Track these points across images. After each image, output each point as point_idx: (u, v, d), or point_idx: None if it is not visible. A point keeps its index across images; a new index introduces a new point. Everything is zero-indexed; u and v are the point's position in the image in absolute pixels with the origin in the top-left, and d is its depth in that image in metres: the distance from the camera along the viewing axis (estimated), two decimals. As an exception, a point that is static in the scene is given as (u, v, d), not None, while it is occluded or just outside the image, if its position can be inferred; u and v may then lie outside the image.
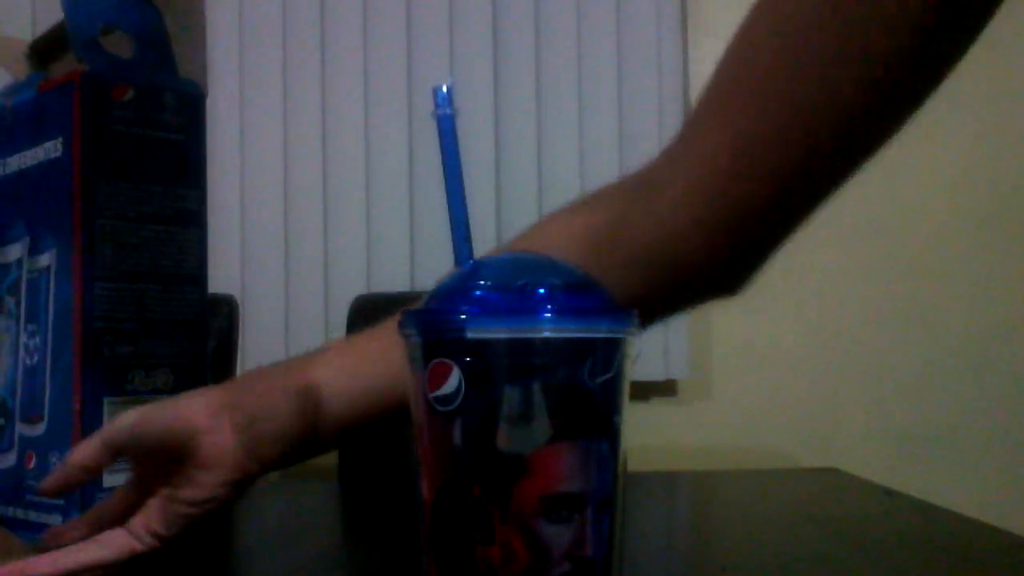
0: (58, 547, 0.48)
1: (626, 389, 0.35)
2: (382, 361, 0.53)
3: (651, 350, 1.68)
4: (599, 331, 0.34)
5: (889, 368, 1.76)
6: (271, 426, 0.49)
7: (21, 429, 0.61)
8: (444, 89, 0.39)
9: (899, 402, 1.76)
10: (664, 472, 1.14)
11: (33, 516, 0.59)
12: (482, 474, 0.33)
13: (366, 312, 1.44)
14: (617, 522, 0.35)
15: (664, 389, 1.75)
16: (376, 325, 0.55)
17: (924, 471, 1.65)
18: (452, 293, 0.35)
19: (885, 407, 1.76)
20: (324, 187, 1.69)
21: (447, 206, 0.38)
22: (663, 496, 0.96)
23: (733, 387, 1.77)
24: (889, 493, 0.86)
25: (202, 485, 0.48)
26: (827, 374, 1.76)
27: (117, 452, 0.48)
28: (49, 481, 0.49)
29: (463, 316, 0.33)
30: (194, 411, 0.48)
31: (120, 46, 0.61)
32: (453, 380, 0.33)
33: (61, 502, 0.57)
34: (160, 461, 0.49)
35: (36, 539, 0.53)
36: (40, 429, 0.59)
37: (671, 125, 1.74)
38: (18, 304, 0.62)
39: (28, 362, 0.61)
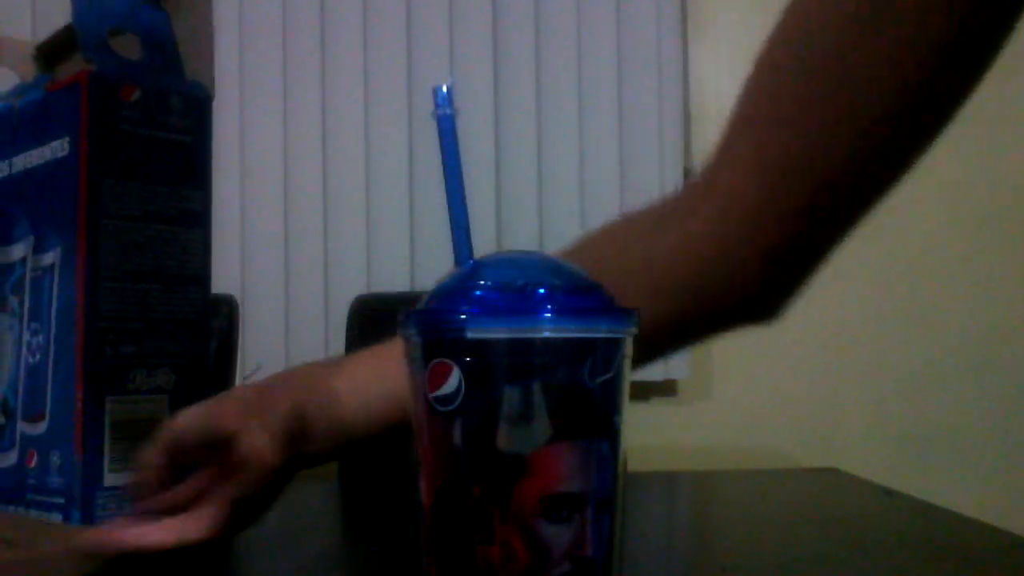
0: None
1: (626, 389, 0.35)
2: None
3: (651, 350, 1.68)
4: (599, 331, 0.34)
5: (889, 368, 1.76)
6: (302, 426, 0.51)
7: (23, 428, 0.61)
8: (444, 89, 0.39)
9: (899, 402, 1.76)
10: (664, 472, 1.14)
11: (34, 515, 0.59)
12: (482, 474, 0.33)
13: (366, 312, 1.44)
14: (617, 522, 0.35)
15: (664, 389, 1.75)
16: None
17: (924, 471, 1.65)
18: (452, 293, 0.35)
19: (885, 407, 1.76)
20: (324, 187, 1.70)
21: (447, 206, 0.38)
22: (663, 496, 0.96)
23: (733, 387, 1.77)
24: (889, 493, 0.86)
25: (241, 483, 0.49)
26: (827, 374, 1.76)
27: (167, 450, 0.51)
28: (128, 483, 0.53)
29: (463, 316, 0.33)
30: (228, 413, 0.50)
31: (128, 48, 0.62)
32: (453, 380, 0.33)
33: (62, 501, 0.57)
34: (209, 457, 0.51)
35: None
36: (42, 428, 0.59)
37: (671, 125, 1.74)
38: (21, 303, 0.62)
39: (30, 361, 0.61)
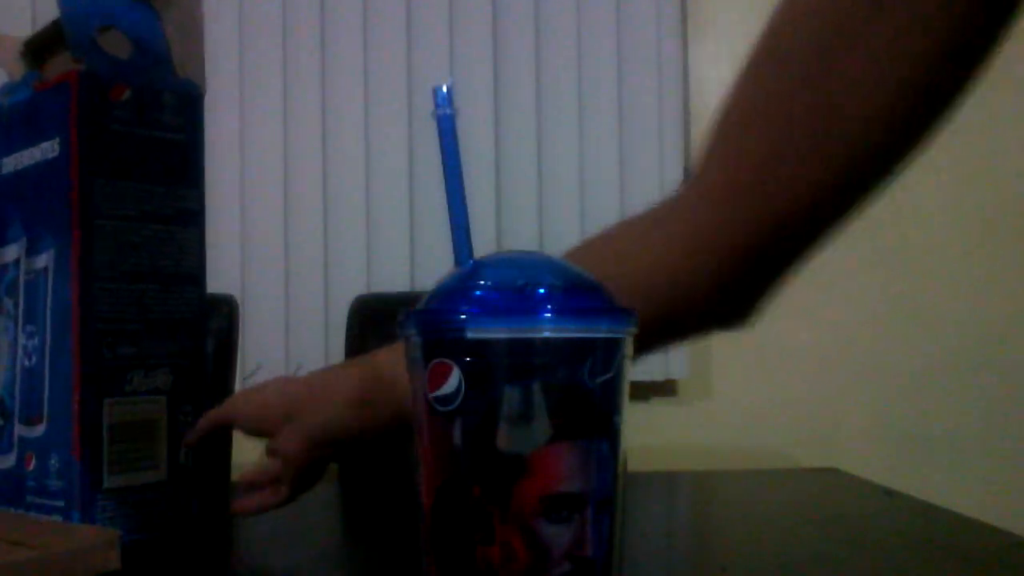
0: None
1: (626, 389, 0.35)
2: None
3: (651, 350, 1.68)
4: (599, 331, 0.34)
5: (889, 368, 1.76)
6: (326, 433, 0.58)
7: (20, 431, 0.61)
8: (444, 89, 0.39)
9: (899, 402, 1.76)
10: (664, 472, 1.14)
11: (36, 518, 0.59)
12: (482, 474, 0.33)
13: (366, 312, 1.44)
14: (617, 522, 0.35)
15: (664, 389, 1.75)
16: None
17: (924, 471, 1.65)
18: (452, 293, 0.35)
19: (885, 407, 1.76)
20: (324, 187, 1.69)
21: (447, 206, 0.38)
22: (663, 496, 0.96)
23: (733, 387, 1.77)
24: (889, 493, 0.86)
25: (281, 474, 0.59)
26: (827, 374, 1.76)
27: (218, 423, 0.61)
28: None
29: (463, 316, 0.33)
30: (272, 416, 0.59)
31: (117, 46, 0.61)
32: (453, 380, 0.33)
33: (61, 503, 0.57)
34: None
35: None
36: (39, 430, 0.59)
37: (671, 125, 1.74)
38: (16, 305, 0.62)
39: (27, 363, 0.60)
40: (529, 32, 1.72)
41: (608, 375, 0.34)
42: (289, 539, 0.66)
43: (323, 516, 0.80)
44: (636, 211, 0.59)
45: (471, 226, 0.37)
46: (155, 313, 0.60)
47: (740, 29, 1.73)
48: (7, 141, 0.63)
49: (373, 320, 1.42)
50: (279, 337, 1.67)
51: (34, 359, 0.60)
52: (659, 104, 1.73)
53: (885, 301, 1.77)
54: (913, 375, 1.76)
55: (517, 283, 0.34)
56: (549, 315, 0.33)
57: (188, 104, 0.63)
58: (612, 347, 0.34)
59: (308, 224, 1.69)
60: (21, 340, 0.61)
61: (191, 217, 0.63)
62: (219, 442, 0.62)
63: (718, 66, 1.77)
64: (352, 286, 1.62)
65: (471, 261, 0.37)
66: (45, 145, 0.60)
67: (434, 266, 1.66)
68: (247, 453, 0.66)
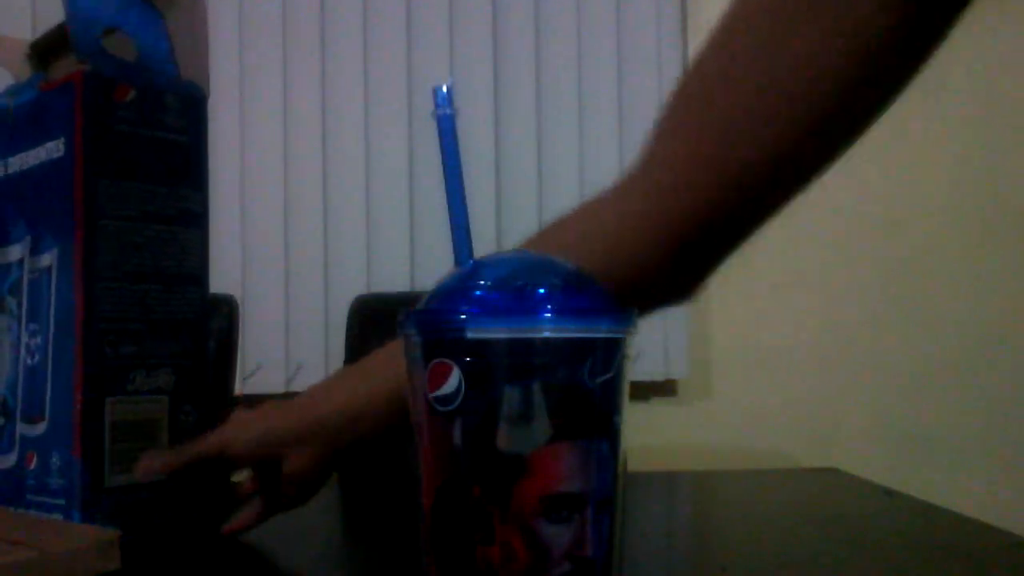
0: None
1: (626, 389, 0.35)
2: None
3: (651, 350, 1.68)
4: (599, 331, 0.34)
5: (889, 368, 1.76)
6: (334, 447, 0.59)
7: (22, 429, 0.61)
8: (444, 89, 0.39)
9: (899, 402, 1.76)
10: (664, 472, 1.14)
11: (37, 517, 0.59)
12: (482, 474, 0.33)
13: (366, 312, 1.44)
14: (617, 522, 0.35)
15: (664, 389, 1.75)
16: None
17: (924, 471, 1.65)
18: (452, 293, 0.35)
19: (885, 407, 1.76)
20: (324, 187, 1.70)
21: (447, 206, 0.38)
22: (663, 496, 0.96)
23: (733, 387, 1.77)
24: (889, 493, 0.86)
25: (288, 491, 0.60)
26: (827, 374, 1.76)
27: (211, 454, 0.59)
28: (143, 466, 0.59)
29: (463, 316, 0.33)
30: (277, 441, 0.59)
31: (122, 48, 0.61)
32: (453, 380, 0.33)
33: (62, 502, 0.57)
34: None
35: None
36: (41, 429, 0.59)
37: (671, 125, 1.74)
38: (19, 304, 0.62)
39: (29, 362, 0.61)
40: (529, 32, 1.72)
41: (608, 375, 0.34)
42: (289, 539, 0.66)
43: (323, 516, 0.80)
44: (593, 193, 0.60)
45: (471, 226, 0.38)
46: (157, 313, 0.60)
47: (740, 29, 1.73)
48: (13, 141, 0.63)
49: (373, 320, 1.42)
50: (279, 337, 1.67)
51: (37, 358, 0.60)
52: (659, 104, 1.73)
53: (885, 301, 1.77)
54: (913, 375, 1.76)
55: (517, 283, 0.34)
56: (549, 315, 0.33)
57: (192, 105, 0.63)
58: (612, 347, 0.34)
59: (308, 224, 1.69)
60: (24, 339, 0.61)
61: (194, 218, 0.63)
62: (208, 472, 0.60)
63: (718, 66, 1.77)
64: (352, 286, 1.62)
65: (471, 261, 0.37)
66: (50, 145, 0.60)
67: (434, 266, 1.66)
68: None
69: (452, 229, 0.37)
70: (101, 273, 0.58)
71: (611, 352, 0.34)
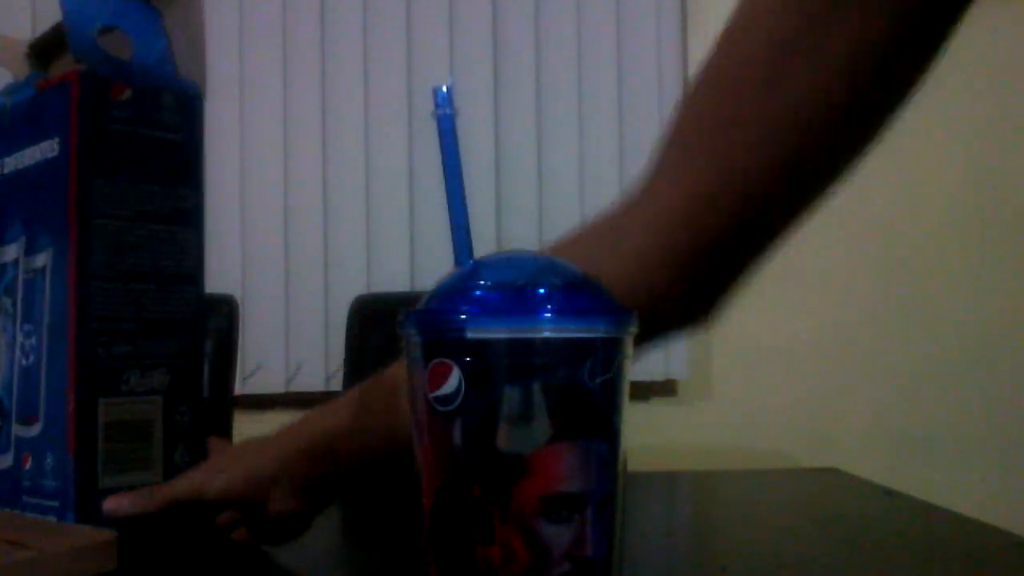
0: None
1: (626, 389, 0.35)
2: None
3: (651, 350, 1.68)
4: (599, 331, 0.34)
5: (889, 368, 1.76)
6: (317, 482, 0.58)
7: (17, 430, 0.61)
8: (444, 89, 0.38)
9: (899, 402, 1.76)
10: (664, 472, 1.14)
11: (31, 518, 0.59)
12: (482, 474, 0.33)
13: (366, 312, 1.43)
14: (617, 522, 0.35)
15: (664, 389, 1.75)
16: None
17: (924, 471, 1.65)
18: (452, 293, 0.35)
19: (885, 407, 1.76)
20: (324, 187, 1.70)
21: (447, 206, 0.38)
22: (663, 496, 0.96)
23: (733, 387, 1.76)
24: (889, 493, 0.86)
25: (279, 526, 0.59)
26: (827, 374, 1.76)
27: (188, 498, 0.57)
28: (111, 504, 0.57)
29: (463, 316, 0.33)
30: (257, 487, 0.57)
31: (119, 47, 0.61)
32: (453, 380, 0.33)
33: (56, 503, 0.57)
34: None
35: None
36: (36, 430, 0.59)
37: (671, 125, 1.74)
38: (15, 304, 0.62)
39: (24, 362, 0.60)
40: (529, 32, 1.72)
41: (608, 375, 0.34)
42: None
43: (323, 516, 0.79)
44: (592, 218, 0.59)
45: (471, 226, 0.37)
46: (152, 313, 0.60)
47: (740, 29, 1.73)
48: (9, 141, 0.63)
49: (373, 320, 1.42)
50: (279, 337, 1.67)
51: (31, 358, 0.60)
52: (659, 104, 1.73)
53: (885, 301, 1.77)
54: (913, 375, 1.76)
55: (517, 283, 0.34)
56: (549, 315, 0.33)
57: (188, 104, 0.63)
58: (612, 347, 0.34)
59: (308, 224, 1.69)
60: (19, 339, 0.61)
61: (190, 217, 0.62)
62: (184, 515, 0.58)
63: (718, 66, 1.77)
64: (352, 286, 1.62)
65: (471, 261, 0.37)
66: (45, 144, 0.60)
67: (434, 266, 1.67)
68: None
69: (452, 229, 0.37)
70: (95, 273, 0.58)
71: (611, 352, 0.34)
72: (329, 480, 0.58)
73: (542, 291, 0.34)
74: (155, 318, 0.60)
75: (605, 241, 0.56)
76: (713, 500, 0.96)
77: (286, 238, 1.69)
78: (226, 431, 1.24)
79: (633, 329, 0.35)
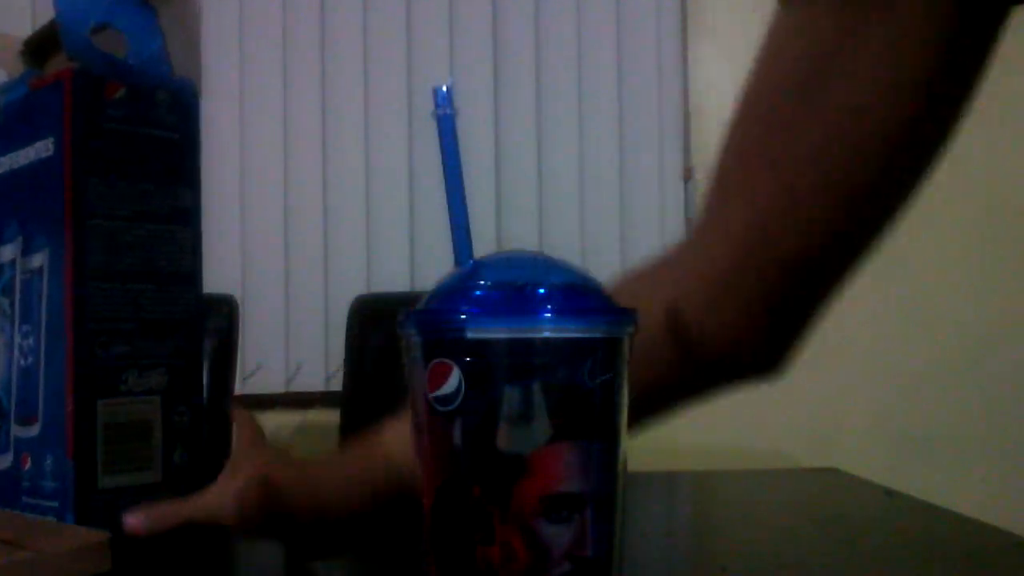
0: None
1: (626, 389, 0.35)
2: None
3: (651, 350, 1.68)
4: (599, 331, 0.34)
5: (889, 368, 1.76)
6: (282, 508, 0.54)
7: (16, 431, 0.61)
8: (444, 89, 0.39)
9: (899, 402, 1.76)
10: (664, 472, 1.14)
11: (30, 517, 0.59)
12: (482, 474, 0.33)
13: (366, 312, 1.44)
14: (617, 522, 0.35)
15: (664, 389, 1.75)
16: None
17: (924, 471, 1.65)
18: (452, 293, 0.35)
19: (885, 407, 1.76)
20: (324, 187, 1.70)
21: (447, 206, 0.38)
22: (663, 496, 0.96)
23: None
24: (889, 493, 0.85)
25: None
26: (827, 374, 1.76)
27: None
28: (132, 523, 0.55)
29: (463, 316, 0.33)
30: (230, 516, 0.53)
31: (113, 45, 0.61)
32: (453, 380, 0.33)
33: (55, 504, 0.57)
34: None
35: None
36: (35, 430, 0.59)
37: (671, 125, 1.74)
38: (12, 305, 0.62)
39: (22, 363, 0.60)
40: (529, 32, 1.72)
41: (608, 375, 0.34)
42: (288, 539, 0.66)
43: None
44: (637, 262, 0.57)
45: (471, 226, 0.37)
46: (150, 313, 0.60)
47: (740, 29, 1.73)
48: (3, 140, 0.63)
49: (373, 320, 1.42)
50: (279, 337, 1.67)
51: (29, 359, 0.60)
52: (659, 104, 1.73)
53: (885, 301, 1.77)
54: (913, 375, 1.76)
55: (517, 283, 0.34)
56: (549, 315, 0.33)
57: (184, 102, 0.62)
58: (612, 347, 0.34)
59: (308, 224, 1.69)
60: (17, 340, 0.61)
61: (186, 216, 0.62)
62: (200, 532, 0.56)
63: (718, 66, 1.77)
64: (352, 286, 1.62)
65: (471, 261, 0.37)
66: (40, 144, 0.59)
67: (434, 266, 1.66)
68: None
69: (452, 229, 0.37)
70: (92, 273, 0.57)
71: (611, 352, 0.34)
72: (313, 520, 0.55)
73: (542, 291, 0.34)
74: (153, 318, 0.60)
75: (664, 277, 0.55)
76: (713, 500, 0.96)
77: (286, 238, 1.69)
78: (226, 431, 1.23)
79: (633, 329, 0.35)
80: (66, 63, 0.59)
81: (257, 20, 1.70)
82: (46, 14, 0.61)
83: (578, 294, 0.35)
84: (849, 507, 0.85)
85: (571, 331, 0.33)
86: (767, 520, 0.79)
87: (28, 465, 0.59)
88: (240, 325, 1.42)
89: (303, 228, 1.69)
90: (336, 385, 1.57)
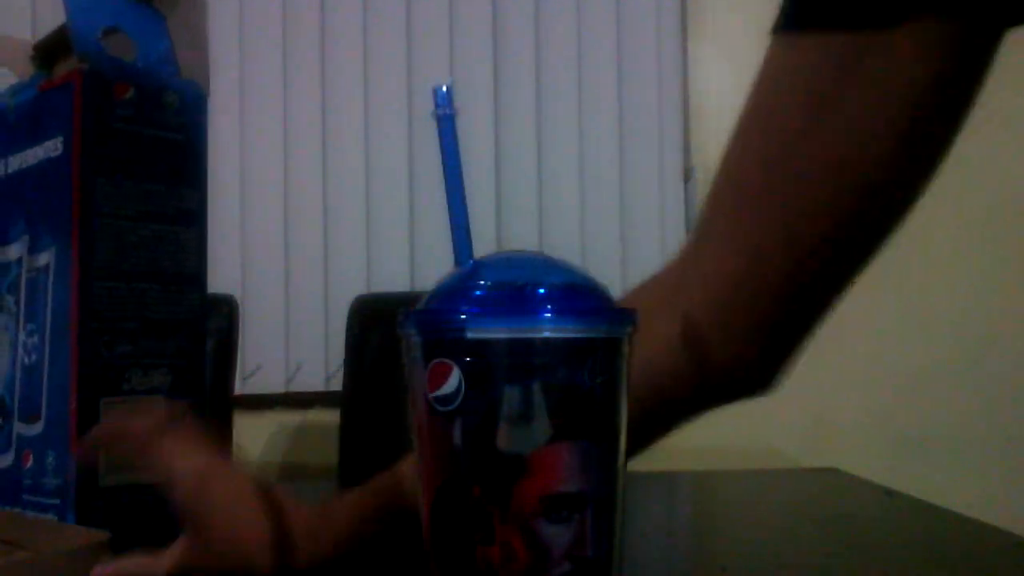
0: None
1: (626, 389, 0.35)
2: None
3: (651, 350, 1.68)
4: (599, 331, 0.34)
5: (889, 368, 1.76)
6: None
7: (19, 428, 0.61)
8: (444, 89, 0.39)
9: (899, 402, 1.76)
10: (664, 472, 1.14)
11: (30, 516, 0.59)
12: (482, 474, 0.33)
13: (366, 312, 1.44)
14: (617, 522, 0.35)
15: (664, 389, 1.75)
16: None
17: (924, 471, 1.65)
18: (452, 293, 0.35)
19: (885, 407, 1.76)
20: (324, 187, 1.69)
21: (447, 206, 0.38)
22: (663, 496, 0.96)
23: (733, 387, 1.76)
24: (889, 493, 0.86)
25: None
26: (827, 374, 1.76)
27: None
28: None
29: (463, 316, 0.33)
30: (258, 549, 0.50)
31: (122, 48, 0.61)
32: (453, 380, 0.33)
33: (57, 502, 0.57)
34: None
35: None
36: (38, 428, 0.59)
37: (671, 125, 1.74)
38: (18, 303, 0.62)
39: (26, 361, 0.61)
40: (529, 32, 1.72)
41: (608, 375, 0.34)
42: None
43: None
44: (640, 278, 0.57)
45: (471, 226, 0.37)
46: (154, 313, 0.60)
47: (740, 29, 1.73)
48: (13, 140, 0.63)
49: (373, 320, 1.42)
50: (279, 337, 1.67)
51: (34, 357, 0.60)
52: (659, 104, 1.73)
53: (884, 301, 1.77)
54: (913, 375, 1.76)
55: (517, 283, 0.34)
56: (549, 315, 0.33)
57: (191, 104, 0.63)
58: (612, 347, 0.34)
59: (308, 224, 1.69)
60: (22, 338, 0.61)
61: (192, 217, 0.63)
62: None
63: (718, 66, 1.77)
64: (352, 286, 1.62)
65: (471, 261, 0.37)
66: (48, 144, 0.60)
67: (434, 266, 1.66)
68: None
69: (452, 229, 0.37)
70: (97, 272, 0.58)
71: (611, 352, 0.34)
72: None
73: (542, 291, 0.34)
74: (157, 318, 0.60)
75: (662, 297, 0.55)
76: (713, 500, 0.96)
77: (286, 238, 1.68)
78: (226, 431, 1.24)
79: (633, 329, 0.35)
80: (75, 66, 0.59)
81: (257, 20, 1.70)
82: (46, 15, 0.62)
83: (578, 294, 0.35)
84: (849, 507, 0.85)
85: (571, 331, 0.33)
86: (767, 520, 0.79)
87: (30, 463, 0.59)
88: (240, 325, 1.42)
89: (303, 228, 1.69)
90: (336, 385, 1.57)
